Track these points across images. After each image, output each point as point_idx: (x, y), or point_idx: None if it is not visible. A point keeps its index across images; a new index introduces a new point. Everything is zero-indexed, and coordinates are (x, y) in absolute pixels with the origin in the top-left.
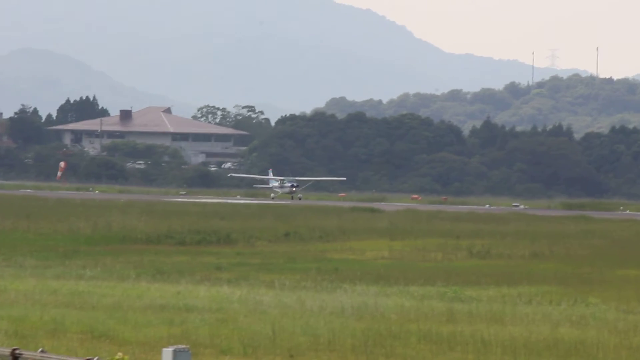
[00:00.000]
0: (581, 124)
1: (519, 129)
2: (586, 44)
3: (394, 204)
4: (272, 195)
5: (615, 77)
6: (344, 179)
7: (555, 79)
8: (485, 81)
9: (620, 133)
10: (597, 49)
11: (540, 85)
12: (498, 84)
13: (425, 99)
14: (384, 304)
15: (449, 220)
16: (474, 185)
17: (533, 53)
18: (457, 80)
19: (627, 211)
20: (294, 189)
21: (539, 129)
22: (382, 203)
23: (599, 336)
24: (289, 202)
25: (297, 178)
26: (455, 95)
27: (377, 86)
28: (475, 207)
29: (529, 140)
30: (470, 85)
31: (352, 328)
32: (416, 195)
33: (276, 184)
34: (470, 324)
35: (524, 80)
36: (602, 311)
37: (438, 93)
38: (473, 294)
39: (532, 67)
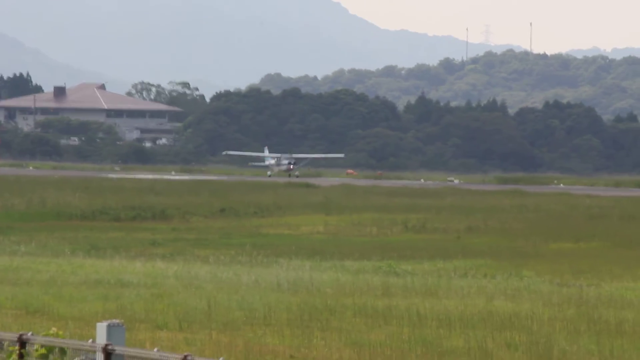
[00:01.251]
0: (515, 99)
1: (453, 104)
2: (520, 20)
3: (330, 179)
4: (268, 173)
5: (549, 53)
6: (342, 155)
7: (489, 54)
8: (419, 57)
9: (554, 108)
10: (531, 24)
11: (474, 60)
12: (432, 60)
13: (360, 75)
14: (319, 279)
15: (384, 195)
16: (409, 160)
17: (467, 29)
18: (392, 56)
19: (561, 185)
20: (291, 166)
21: (474, 105)
22: (318, 178)
23: (533, 309)
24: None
25: (294, 155)
26: (390, 71)
27: (312, 63)
28: (410, 182)
29: (463, 115)
30: (405, 61)
31: (288, 302)
32: (351, 171)
33: (272, 161)
34: (405, 297)
35: (458, 56)
36: (536, 284)
37: (373, 69)
38: (408, 268)
39: (467, 42)
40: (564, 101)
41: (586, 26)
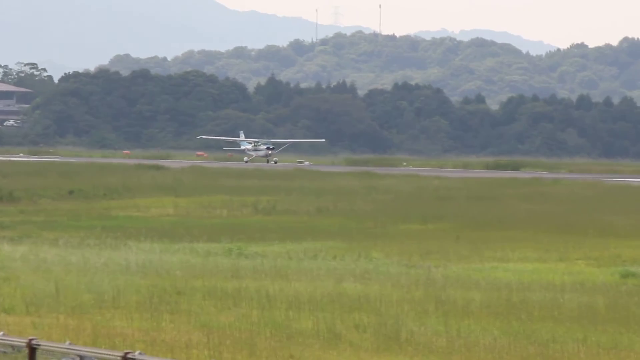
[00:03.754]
0: (365, 81)
1: (303, 85)
2: (369, 2)
3: (180, 161)
4: (245, 159)
5: (397, 34)
6: (324, 140)
7: (338, 35)
8: (269, 38)
9: (403, 89)
10: (380, 6)
11: (324, 42)
12: (282, 41)
13: (210, 56)
14: (169, 261)
15: (234, 177)
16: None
17: (317, 10)
18: (242, 37)
19: (410, 167)
20: (269, 152)
21: (323, 86)
22: (167, 160)
23: (382, 290)
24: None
25: (272, 140)
26: (239, 52)
27: (161, 44)
28: (260, 163)
29: (313, 97)
30: (255, 42)
31: (137, 285)
32: (201, 153)
33: (249, 146)
34: (255, 279)
35: (308, 38)
36: (385, 265)
37: (223, 50)
38: (258, 250)
39: (316, 24)
40: (413, 83)
41: (434, 8)
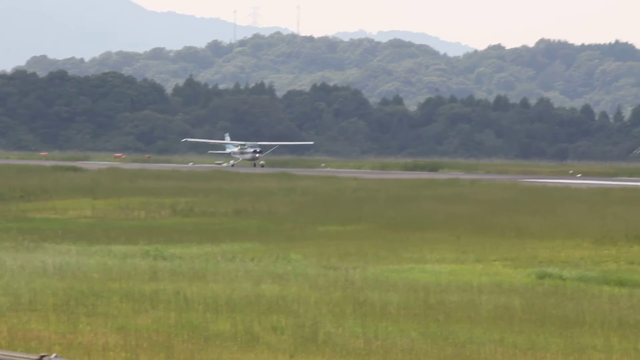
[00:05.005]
0: (283, 82)
1: (222, 87)
2: (287, 3)
3: (97, 163)
4: (230, 162)
5: (316, 35)
6: (312, 142)
7: (257, 37)
8: (187, 39)
9: (321, 90)
10: (298, 7)
11: (242, 43)
12: (201, 42)
13: (128, 58)
14: (86, 263)
15: (153, 178)
16: (178, 143)
17: (235, 11)
18: (160, 38)
19: (329, 168)
20: (256, 154)
21: (242, 87)
22: (85, 162)
23: (300, 292)
24: (247, 169)
25: (259, 143)
26: (158, 54)
27: (79, 45)
28: (179, 165)
29: (232, 98)
30: (173, 43)
31: (54, 287)
32: (119, 154)
33: (235, 149)
34: (173, 281)
35: (226, 39)
36: (303, 267)
37: (141, 51)
38: (176, 252)
39: (235, 25)
40: (331, 84)
41: (352, 9)
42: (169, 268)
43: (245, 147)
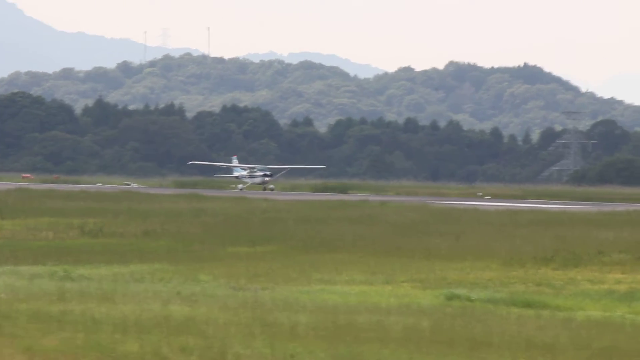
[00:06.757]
0: (193, 103)
1: (131, 107)
2: (197, 24)
3: (5, 183)
4: (239, 186)
5: (226, 57)
6: (324, 166)
7: (167, 57)
8: (97, 60)
9: (232, 111)
10: (209, 28)
11: (152, 64)
12: (110, 63)
13: (37, 78)
14: None
15: (61, 199)
16: (87, 164)
17: (145, 32)
18: (69, 59)
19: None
20: (266, 178)
21: (152, 108)
22: None
23: (209, 313)
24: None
25: (269, 166)
26: (67, 74)
27: None
28: (87, 185)
29: (141, 119)
30: (83, 64)
31: None
32: (27, 174)
33: (244, 172)
34: (81, 302)
35: (136, 59)
36: (212, 288)
37: (50, 72)
38: (85, 272)
39: (145, 45)
40: (242, 105)
41: (263, 30)
42: (77, 289)
43: (255, 170)
